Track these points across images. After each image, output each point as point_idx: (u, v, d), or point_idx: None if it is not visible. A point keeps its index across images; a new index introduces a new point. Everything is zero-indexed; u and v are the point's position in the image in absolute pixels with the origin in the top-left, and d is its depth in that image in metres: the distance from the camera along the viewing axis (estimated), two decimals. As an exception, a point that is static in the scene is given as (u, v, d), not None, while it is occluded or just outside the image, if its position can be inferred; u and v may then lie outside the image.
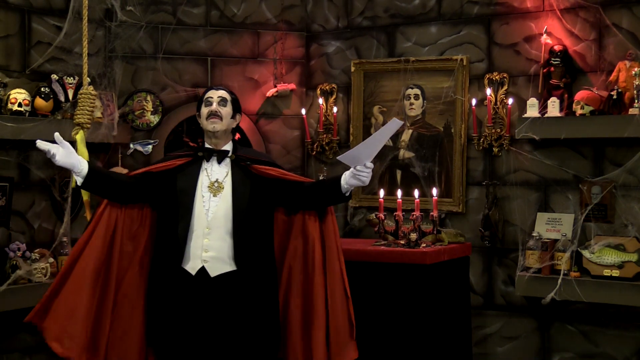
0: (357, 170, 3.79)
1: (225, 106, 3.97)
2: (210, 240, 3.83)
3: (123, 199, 3.96)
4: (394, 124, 3.74)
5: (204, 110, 3.96)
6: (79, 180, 3.77)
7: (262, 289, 3.89)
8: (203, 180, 3.91)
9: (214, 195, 3.88)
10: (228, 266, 3.83)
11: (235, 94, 4.07)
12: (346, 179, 3.84)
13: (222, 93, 4.00)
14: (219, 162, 3.94)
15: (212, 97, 3.97)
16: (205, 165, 3.95)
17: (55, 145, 3.68)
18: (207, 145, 3.99)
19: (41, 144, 3.66)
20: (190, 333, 3.84)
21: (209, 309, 3.81)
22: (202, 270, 3.81)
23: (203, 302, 3.81)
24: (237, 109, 4.03)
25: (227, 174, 3.93)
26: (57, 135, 3.72)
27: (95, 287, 3.87)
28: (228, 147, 3.99)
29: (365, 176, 3.80)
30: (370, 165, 3.79)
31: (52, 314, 3.84)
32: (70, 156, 3.71)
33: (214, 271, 3.82)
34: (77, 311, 3.83)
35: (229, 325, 3.82)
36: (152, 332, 3.93)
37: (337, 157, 3.86)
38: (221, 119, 3.93)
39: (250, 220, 3.86)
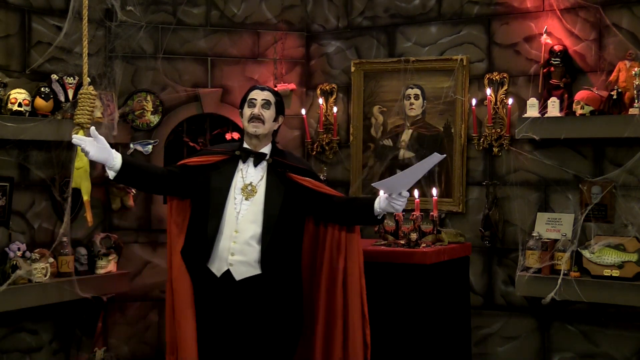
0: (392, 198, 3.74)
1: (268, 109, 3.91)
2: (237, 244, 3.78)
3: (156, 190, 3.94)
4: (436, 157, 3.68)
5: (247, 112, 3.91)
6: (111, 174, 3.73)
7: (285, 295, 3.85)
8: (237, 182, 3.86)
9: (245, 199, 3.83)
10: (253, 270, 3.78)
11: (280, 96, 4.02)
12: (380, 204, 3.79)
13: (267, 95, 3.93)
14: (256, 164, 3.89)
15: (255, 99, 3.91)
16: (241, 165, 3.90)
17: (89, 139, 3.65)
18: (245, 146, 3.94)
19: (75, 139, 3.64)
20: (212, 333, 3.82)
21: (232, 311, 3.78)
22: (227, 273, 3.78)
23: (226, 304, 3.78)
24: (280, 110, 3.98)
25: (261, 178, 3.87)
26: (92, 129, 3.68)
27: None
28: (267, 149, 3.94)
29: (400, 205, 3.76)
30: (406, 194, 3.75)
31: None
32: (103, 151, 3.66)
33: (239, 275, 3.78)
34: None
35: (250, 328, 3.78)
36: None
37: (373, 184, 3.82)
38: (263, 122, 3.88)
39: (280, 226, 3.80)
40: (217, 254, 3.80)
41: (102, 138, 3.67)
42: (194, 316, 3.88)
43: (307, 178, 3.93)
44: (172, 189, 3.95)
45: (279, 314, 3.83)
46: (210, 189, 3.86)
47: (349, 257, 3.98)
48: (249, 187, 3.85)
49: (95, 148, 3.64)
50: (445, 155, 3.81)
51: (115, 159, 3.69)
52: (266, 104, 3.91)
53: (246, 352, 3.80)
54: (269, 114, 3.91)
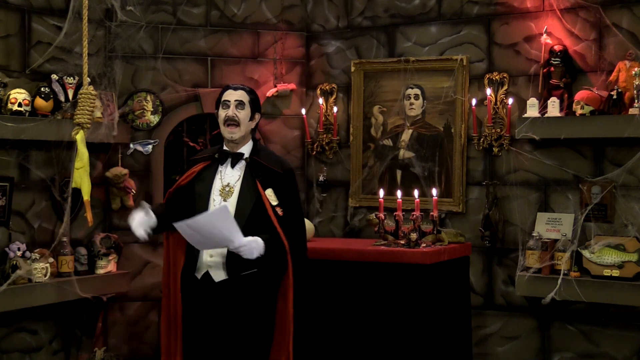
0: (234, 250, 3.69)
1: (243, 109, 3.85)
2: None
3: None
4: (215, 215, 3.67)
5: (221, 114, 3.86)
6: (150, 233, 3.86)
7: (255, 297, 3.80)
8: (216, 184, 3.86)
9: (224, 200, 3.82)
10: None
11: (254, 93, 3.95)
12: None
13: (240, 94, 3.87)
14: (233, 165, 3.88)
15: (229, 100, 3.85)
16: (220, 168, 3.89)
17: (139, 223, 3.79)
18: (224, 148, 3.92)
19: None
20: (196, 338, 3.83)
21: (213, 313, 3.78)
22: (207, 275, 3.80)
23: (208, 307, 3.79)
24: (256, 108, 3.91)
25: (239, 178, 3.85)
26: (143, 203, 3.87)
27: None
28: (245, 148, 3.91)
29: (246, 254, 3.66)
30: (238, 244, 3.63)
31: None
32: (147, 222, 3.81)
33: (217, 276, 3.79)
34: None
35: (229, 329, 3.78)
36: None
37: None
38: (239, 124, 3.83)
39: (250, 227, 3.75)
40: (200, 257, 3.82)
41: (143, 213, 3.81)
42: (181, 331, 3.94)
43: (270, 190, 3.83)
44: (179, 213, 3.92)
45: (250, 317, 3.80)
46: (194, 197, 3.88)
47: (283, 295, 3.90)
48: (227, 188, 3.83)
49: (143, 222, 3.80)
50: (225, 206, 3.73)
51: (152, 218, 3.84)
52: (240, 104, 3.84)
53: (224, 355, 3.79)
54: (243, 114, 3.84)
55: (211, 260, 3.79)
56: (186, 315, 3.88)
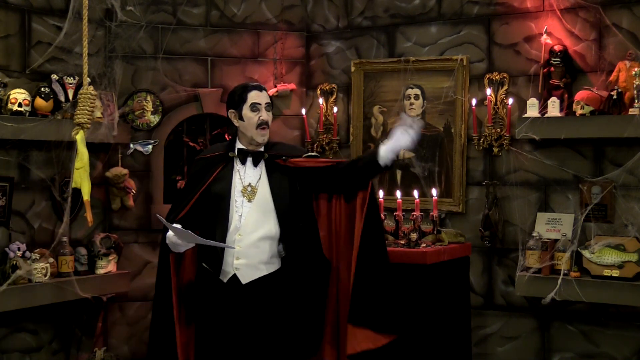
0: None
1: (270, 111, 3.85)
2: (241, 247, 3.76)
3: None
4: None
5: (253, 117, 3.80)
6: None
7: (309, 288, 3.82)
8: (236, 184, 3.81)
9: (248, 200, 3.79)
10: (259, 272, 3.78)
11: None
12: (385, 147, 3.75)
13: (267, 96, 3.86)
14: (256, 164, 3.85)
15: (259, 103, 3.82)
16: (237, 167, 3.84)
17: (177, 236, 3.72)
18: (241, 146, 3.87)
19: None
20: (227, 339, 3.79)
21: (242, 315, 3.76)
22: (234, 277, 3.77)
23: (236, 309, 3.76)
24: None
25: (260, 177, 3.83)
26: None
27: None
28: (262, 146, 3.90)
29: (405, 141, 3.73)
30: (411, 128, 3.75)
31: None
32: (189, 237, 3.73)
33: (245, 278, 3.76)
34: None
35: (266, 330, 3.76)
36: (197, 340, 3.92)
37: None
38: (269, 127, 3.84)
39: (295, 218, 3.78)
40: (225, 260, 3.78)
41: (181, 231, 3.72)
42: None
43: (307, 159, 3.88)
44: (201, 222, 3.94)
45: (297, 311, 3.80)
46: (212, 196, 3.82)
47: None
48: (249, 188, 3.80)
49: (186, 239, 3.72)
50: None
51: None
52: (268, 106, 3.85)
53: (264, 354, 3.76)
54: (271, 115, 3.87)
55: (238, 262, 3.76)
56: (210, 320, 3.84)
